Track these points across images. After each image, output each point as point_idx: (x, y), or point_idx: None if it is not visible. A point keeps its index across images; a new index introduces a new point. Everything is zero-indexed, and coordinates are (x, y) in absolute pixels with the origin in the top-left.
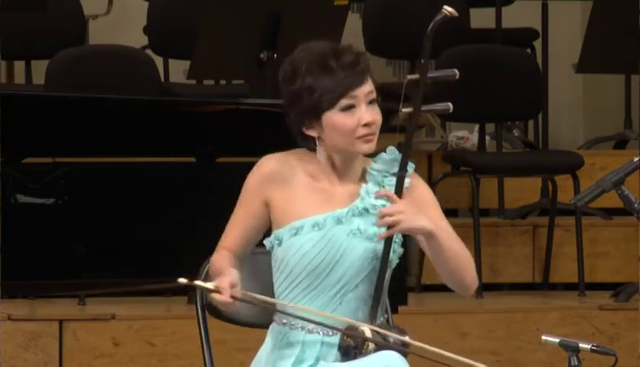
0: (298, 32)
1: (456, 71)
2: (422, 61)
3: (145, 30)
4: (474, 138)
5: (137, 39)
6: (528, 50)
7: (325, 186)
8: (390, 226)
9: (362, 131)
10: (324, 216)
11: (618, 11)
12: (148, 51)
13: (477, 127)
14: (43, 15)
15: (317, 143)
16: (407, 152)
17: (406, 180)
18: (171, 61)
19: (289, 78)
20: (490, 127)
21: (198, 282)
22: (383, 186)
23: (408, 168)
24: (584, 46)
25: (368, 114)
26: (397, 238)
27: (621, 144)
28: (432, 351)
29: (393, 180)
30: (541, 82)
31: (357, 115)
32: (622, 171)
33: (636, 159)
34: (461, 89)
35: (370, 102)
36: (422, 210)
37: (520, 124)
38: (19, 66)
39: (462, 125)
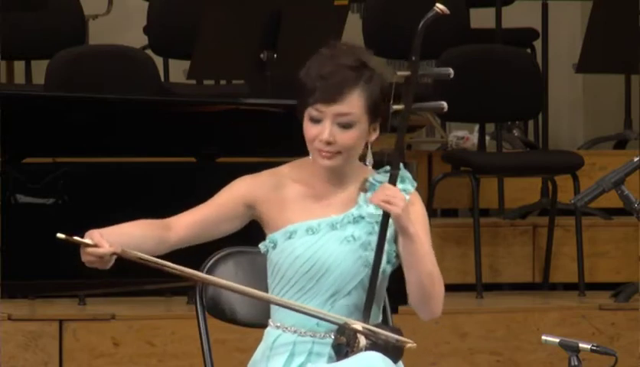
0: (298, 32)
1: (451, 70)
2: (414, 58)
3: (145, 30)
4: (474, 138)
5: (137, 39)
6: (528, 50)
7: (320, 192)
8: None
9: (318, 145)
10: (318, 221)
11: (618, 11)
12: (148, 51)
13: (477, 127)
14: (43, 15)
15: None
16: (400, 150)
17: (406, 197)
18: (171, 61)
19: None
20: (490, 127)
21: (76, 238)
22: None
23: (410, 186)
24: (584, 46)
25: (328, 132)
26: (391, 249)
27: (621, 144)
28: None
29: None
30: (541, 82)
31: (319, 128)
32: (622, 171)
33: (636, 159)
34: (461, 89)
35: (342, 125)
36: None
37: (520, 124)
38: (19, 66)
39: (462, 124)
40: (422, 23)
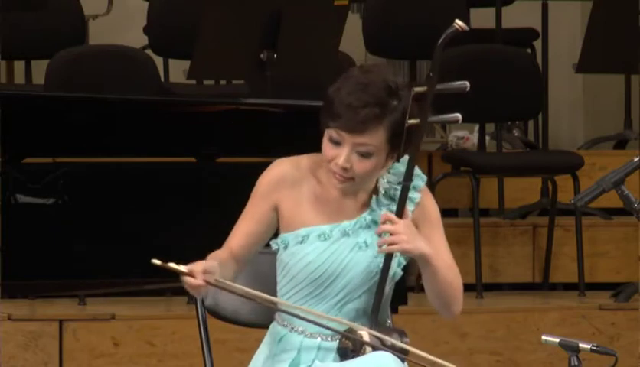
0: (298, 32)
1: (467, 84)
2: (432, 75)
3: (145, 30)
4: (474, 138)
5: (137, 39)
6: (528, 50)
7: (335, 196)
8: (389, 244)
9: (333, 167)
10: (330, 227)
11: (618, 11)
12: (148, 51)
13: (477, 127)
14: (43, 15)
15: None
16: (413, 163)
17: (417, 195)
18: (171, 61)
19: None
20: (490, 127)
21: (172, 264)
22: (394, 200)
23: (420, 182)
24: (584, 46)
25: (345, 159)
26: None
27: (621, 144)
28: (430, 359)
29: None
30: (541, 82)
31: (338, 151)
32: (622, 171)
33: (636, 159)
34: None
35: (361, 154)
36: (426, 228)
37: (520, 124)
38: (19, 66)
39: (462, 124)
40: (441, 40)
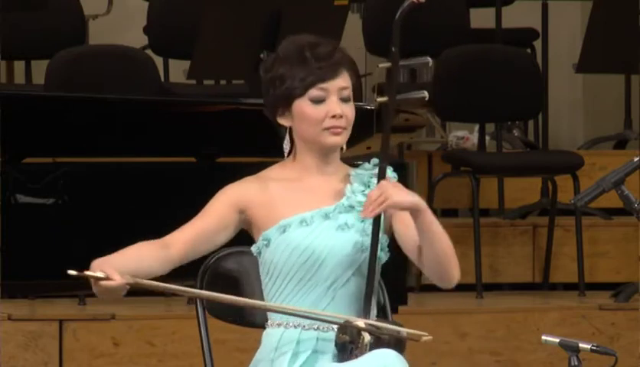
0: (298, 32)
1: (429, 58)
2: (393, 50)
3: (145, 30)
4: (474, 138)
5: (137, 39)
6: (528, 50)
7: (308, 185)
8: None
9: (329, 122)
10: (311, 213)
11: (618, 11)
12: (148, 51)
13: (477, 127)
14: (43, 15)
15: (291, 134)
16: (387, 142)
17: (394, 174)
18: (171, 61)
19: (267, 67)
20: (490, 127)
21: (88, 272)
22: (369, 186)
23: (391, 175)
24: (584, 46)
25: (339, 106)
26: (383, 238)
27: (621, 144)
28: (426, 336)
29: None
30: (541, 82)
31: (325, 107)
32: (622, 171)
33: (636, 159)
34: (461, 89)
35: (344, 99)
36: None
37: (520, 124)
38: (19, 66)
39: (462, 125)
40: (398, 14)
